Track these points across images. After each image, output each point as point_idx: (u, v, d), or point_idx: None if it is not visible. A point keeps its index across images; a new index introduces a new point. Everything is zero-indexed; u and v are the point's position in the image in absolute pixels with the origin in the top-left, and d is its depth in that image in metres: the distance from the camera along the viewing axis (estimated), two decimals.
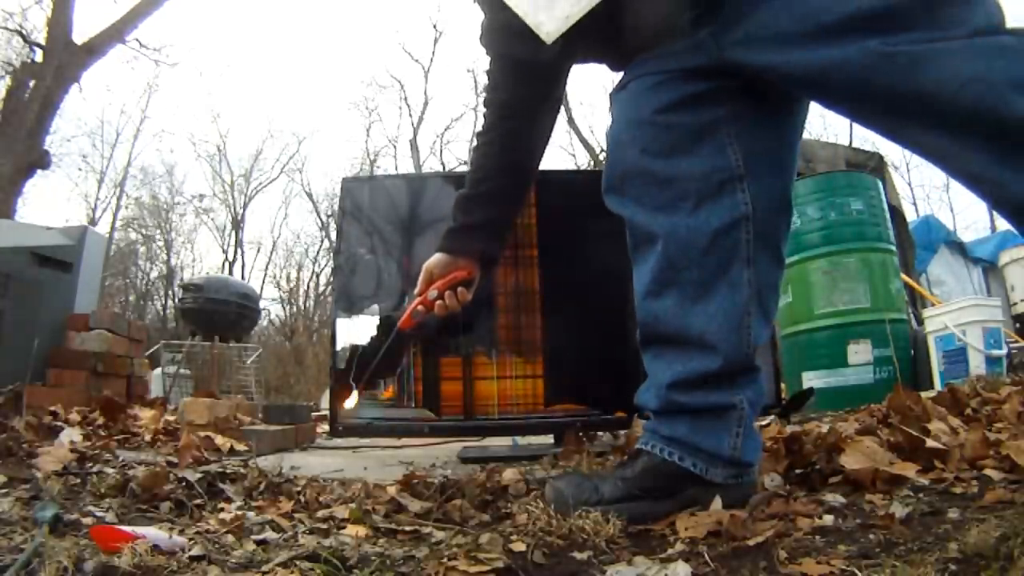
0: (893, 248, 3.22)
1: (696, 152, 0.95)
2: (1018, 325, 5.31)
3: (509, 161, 1.14)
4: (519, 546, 0.81)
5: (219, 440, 1.98)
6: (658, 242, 0.96)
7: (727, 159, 0.95)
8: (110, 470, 1.33)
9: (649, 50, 1.00)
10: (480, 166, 1.15)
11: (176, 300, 14.08)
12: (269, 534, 0.91)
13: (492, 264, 1.22)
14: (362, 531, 0.94)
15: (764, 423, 1.79)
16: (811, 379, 3.06)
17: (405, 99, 20.69)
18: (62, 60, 7.56)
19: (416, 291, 1.19)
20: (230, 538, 0.88)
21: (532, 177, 1.22)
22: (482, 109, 1.17)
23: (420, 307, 1.17)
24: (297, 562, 0.75)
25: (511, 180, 1.17)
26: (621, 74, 1.05)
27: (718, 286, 0.94)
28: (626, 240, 1.03)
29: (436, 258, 1.18)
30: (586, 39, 1.00)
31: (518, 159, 1.16)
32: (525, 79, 1.09)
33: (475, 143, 1.17)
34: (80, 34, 7.97)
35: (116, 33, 8.22)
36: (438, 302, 1.16)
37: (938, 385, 2.94)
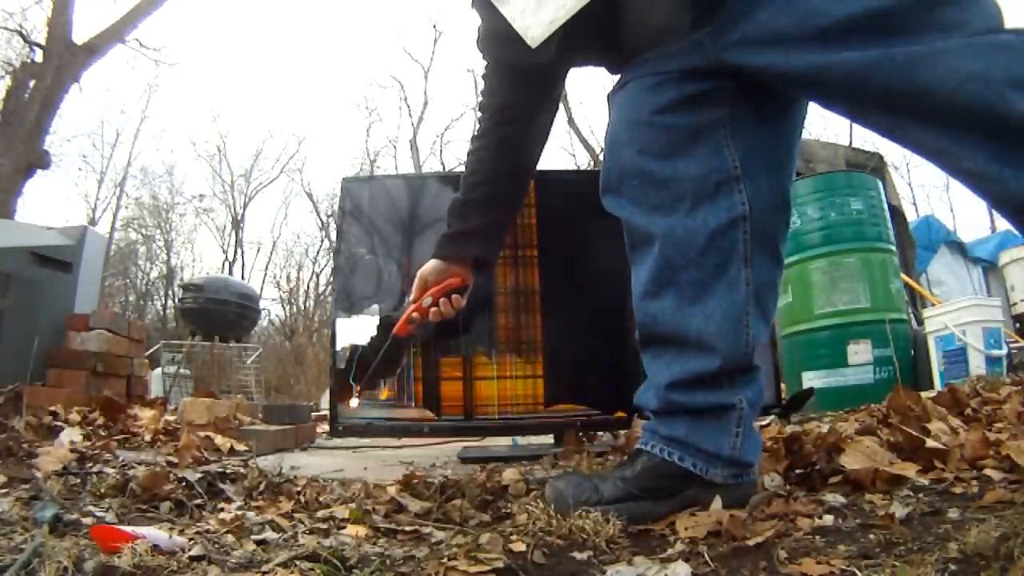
0: (893, 248, 3.22)
1: (693, 153, 0.95)
2: (1018, 325, 5.31)
3: (505, 165, 1.14)
4: (519, 546, 0.81)
5: (219, 440, 1.98)
6: (655, 243, 0.96)
7: (724, 160, 0.95)
8: (110, 470, 1.33)
9: (647, 51, 1.00)
10: (475, 170, 1.15)
11: (176, 300, 14.08)
12: (269, 534, 0.91)
13: (488, 268, 1.22)
14: (362, 531, 0.94)
15: (764, 423, 1.79)
16: (811, 379, 3.05)
17: (405, 99, 20.77)
18: (62, 60, 7.56)
19: (411, 298, 1.19)
20: (230, 538, 0.88)
21: (529, 180, 1.22)
22: (478, 113, 1.17)
23: (415, 314, 1.17)
24: (297, 562, 0.75)
25: (507, 184, 1.17)
26: (619, 76, 1.06)
27: (716, 286, 0.94)
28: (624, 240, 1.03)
29: (430, 264, 1.18)
30: (583, 42, 1.00)
31: (514, 163, 1.15)
32: (521, 84, 1.09)
33: (470, 147, 1.16)
34: (80, 34, 7.98)
35: (116, 33, 8.21)
36: (432, 309, 1.17)
37: (938, 385, 2.94)
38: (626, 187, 0.99)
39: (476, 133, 1.15)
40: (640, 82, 0.99)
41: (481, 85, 1.17)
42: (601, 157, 1.07)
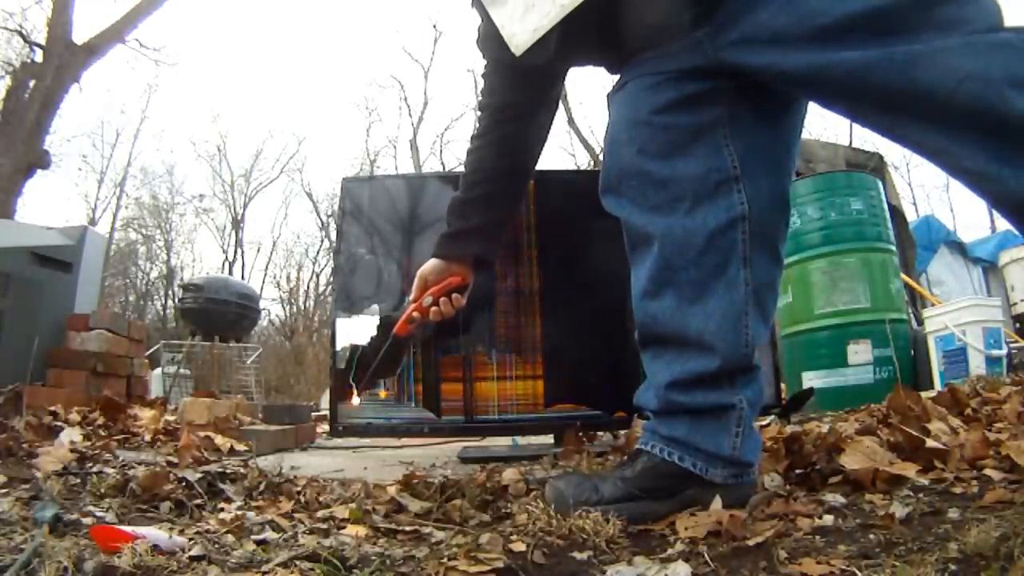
0: (893, 248, 3.22)
1: (693, 153, 0.95)
2: (1018, 325, 5.31)
3: (505, 164, 1.14)
4: (519, 546, 0.81)
5: (219, 440, 1.98)
6: (654, 243, 0.96)
7: (723, 160, 0.95)
8: (110, 470, 1.33)
9: (647, 51, 1.00)
10: (475, 169, 1.15)
11: (176, 300, 14.10)
12: (269, 534, 0.91)
13: (488, 267, 1.22)
14: (362, 531, 0.94)
15: (764, 423, 1.79)
16: (811, 379, 3.06)
17: (405, 99, 20.79)
18: (62, 60, 7.56)
19: (411, 297, 1.19)
20: (230, 538, 0.88)
21: (528, 179, 1.22)
22: (477, 112, 1.17)
23: (415, 314, 1.17)
24: (297, 562, 0.75)
25: (507, 183, 1.17)
26: (619, 75, 1.06)
27: (715, 286, 0.94)
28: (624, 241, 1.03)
29: (431, 264, 1.18)
30: (582, 41, 1.00)
31: (514, 162, 1.16)
32: (520, 83, 1.09)
33: (470, 146, 1.16)
34: (80, 34, 7.98)
35: (116, 33, 8.22)
36: (433, 308, 1.17)
37: (938, 385, 2.94)
38: (625, 187, 0.99)
39: (476, 132, 1.15)
40: (639, 82, 0.99)
41: (481, 84, 1.17)
42: (601, 157, 1.07)
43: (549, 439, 2.02)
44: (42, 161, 7.56)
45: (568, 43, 0.96)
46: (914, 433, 1.12)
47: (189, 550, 0.79)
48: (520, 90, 1.10)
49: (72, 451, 1.52)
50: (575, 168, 11.92)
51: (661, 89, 0.96)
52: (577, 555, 0.79)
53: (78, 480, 1.23)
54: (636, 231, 0.99)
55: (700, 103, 0.96)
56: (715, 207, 0.94)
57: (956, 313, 3.09)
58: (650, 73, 0.98)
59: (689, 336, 0.94)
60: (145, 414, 2.38)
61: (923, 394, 1.51)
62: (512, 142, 1.14)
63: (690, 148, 0.95)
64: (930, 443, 1.09)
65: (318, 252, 18.87)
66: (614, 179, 1.01)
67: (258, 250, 19.98)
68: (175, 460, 1.56)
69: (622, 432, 1.80)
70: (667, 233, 0.95)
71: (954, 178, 0.80)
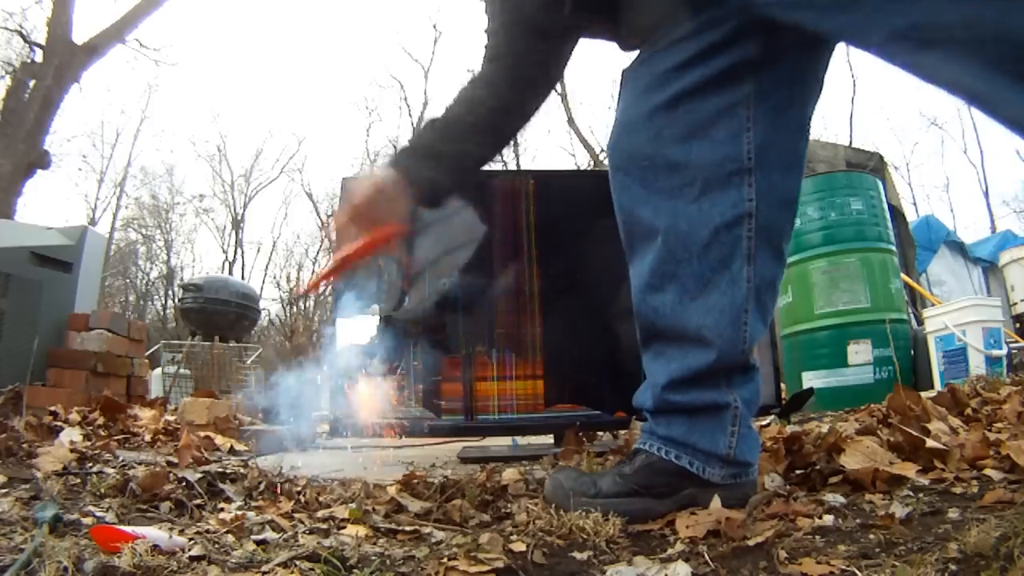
0: (893, 248, 3.22)
1: (711, 136, 0.92)
2: (1018, 325, 5.31)
3: (495, 104, 1.03)
4: (519, 546, 0.81)
5: (219, 440, 1.98)
6: (658, 236, 0.94)
7: (740, 148, 0.92)
8: (110, 470, 1.33)
9: (664, 22, 0.94)
10: (466, 100, 1.04)
11: (176, 300, 14.11)
12: (269, 534, 0.91)
13: (437, 205, 1.08)
14: (362, 531, 0.94)
15: (764, 423, 1.79)
16: (811, 379, 3.06)
17: (405, 99, 20.74)
18: (62, 60, 7.57)
19: (337, 234, 1.03)
20: (230, 538, 0.88)
21: (504, 143, 1.11)
22: (478, 69, 1.07)
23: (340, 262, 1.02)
24: (297, 562, 0.75)
25: (490, 131, 1.06)
26: (636, 51, 1.00)
27: (718, 281, 0.93)
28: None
29: (372, 181, 1.02)
30: (594, 7, 0.97)
31: (504, 110, 1.04)
32: (530, 40, 1.01)
33: (466, 82, 1.06)
34: (80, 34, 7.99)
35: (116, 33, 8.23)
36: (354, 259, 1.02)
37: (938, 385, 2.94)
38: (635, 167, 0.96)
39: (472, 77, 1.06)
40: (661, 56, 0.94)
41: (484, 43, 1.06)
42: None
43: (549, 439, 2.02)
44: (42, 161, 7.57)
45: (581, 5, 0.93)
46: (914, 433, 1.12)
47: (189, 550, 0.79)
48: (527, 43, 1.02)
49: (72, 451, 1.52)
50: (575, 168, 11.93)
51: (684, 67, 0.92)
52: (577, 555, 0.79)
53: (78, 480, 1.23)
54: (640, 221, 0.96)
55: (722, 83, 0.91)
56: (723, 198, 0.92)
57: (956, 313, 3.09)
58: (669, 47, 0.93)
59: (688, 330, 0.94)
60: (145, 414, 2.38)
61: (923, 394, 1.51)
62: (507, 90, 1.03)
63: (709, 131, 0.92)
64: (930, 443, 1.09)
65: (318, 252, 18.90)
66: (626, 159, 0.98)
67: (258, 250, 20.03)
68: (175, 460, 1.56)
69: (622, 432, 1.80)
70: (672, 225, 0.93)
71: (1007, 127, 0.66)
